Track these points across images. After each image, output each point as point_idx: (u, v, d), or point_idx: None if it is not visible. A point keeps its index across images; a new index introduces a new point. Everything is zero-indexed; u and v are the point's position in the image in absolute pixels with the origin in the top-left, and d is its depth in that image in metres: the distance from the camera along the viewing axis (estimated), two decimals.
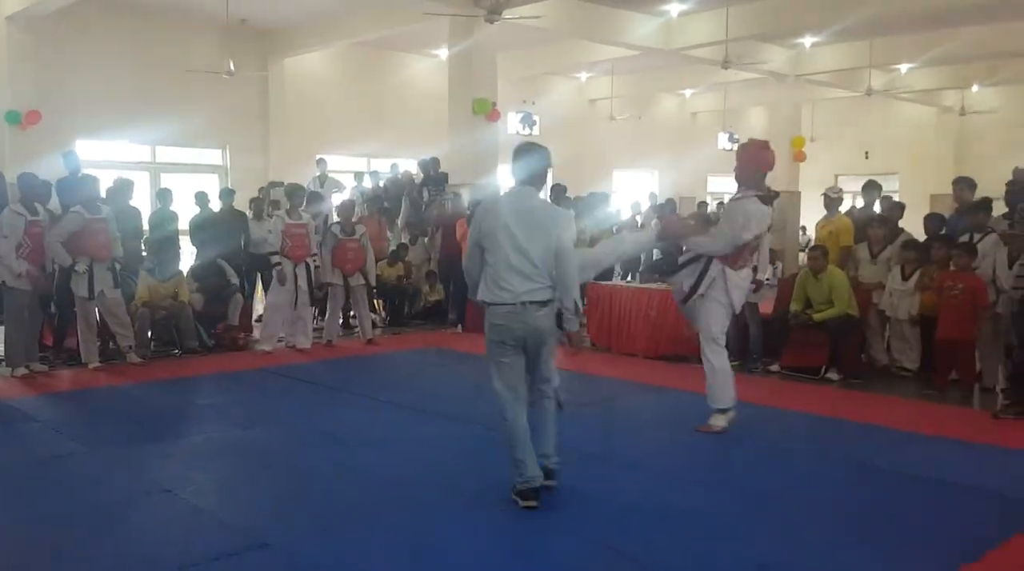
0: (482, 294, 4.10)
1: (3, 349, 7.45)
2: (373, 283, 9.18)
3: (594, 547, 3.65)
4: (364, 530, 3.81)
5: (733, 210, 5.45)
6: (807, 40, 14.52)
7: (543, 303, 4.02)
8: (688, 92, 20.04)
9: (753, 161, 5.46)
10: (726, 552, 3.62)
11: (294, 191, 8.95)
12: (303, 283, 8.44)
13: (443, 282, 10.53)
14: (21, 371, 7.07)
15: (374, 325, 9.78)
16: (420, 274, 10.89)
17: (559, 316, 4.14)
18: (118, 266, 7.57)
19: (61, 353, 7.79)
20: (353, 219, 9.07)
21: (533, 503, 3.97)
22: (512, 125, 16.97)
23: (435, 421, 5.85)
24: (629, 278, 9.74)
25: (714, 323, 5.40)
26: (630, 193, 17.17)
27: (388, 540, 3.71)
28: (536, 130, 17.62)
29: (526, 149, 4.19)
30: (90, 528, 3.84)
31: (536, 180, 4.20)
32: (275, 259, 8.38)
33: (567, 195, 10.57)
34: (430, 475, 4.60)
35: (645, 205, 14.45)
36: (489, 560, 3.55)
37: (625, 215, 13.10)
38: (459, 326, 9.91)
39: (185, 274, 8.64)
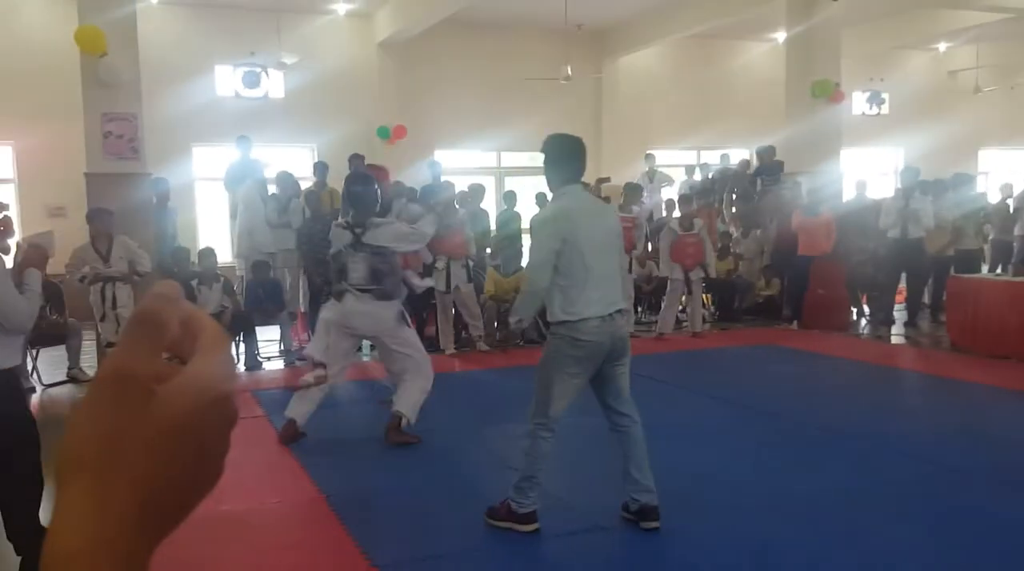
0: (561, 312, 3.59)
1: None
2: (713, 276, 9.09)
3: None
4: (696, 522, 3.78)
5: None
6: None
7: (622, 311, 3.73)
8: None
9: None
10: None
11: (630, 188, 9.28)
12: None
13: (778, 275, 10.09)
14: None
15: (703, 320, 9.67)
16: (752, 268, 10.54)
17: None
18: (471, 263, 8.30)
19: (421, 340, 8.73)
20: (676, 213, 9.09)
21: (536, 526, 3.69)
22: (858, 105, 15.78)
23: (766, 420, 5.62)
24: (999, 270, 8.58)
25: None
26: (1003, 174, 15.09)
27: (720, 534, 3.65)
28: (885, 109, 16.21)
29: (563, 142, 3.83)
30: (447, 497, 4.26)
31: (580, 176, 3.85)
32: None
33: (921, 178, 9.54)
34: (761, 474, 4.44)
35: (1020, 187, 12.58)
36: (830, 566, 3.32)
37: (994, 198, 11.53)
38: (795, 322, 9.43)
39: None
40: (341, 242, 5.05)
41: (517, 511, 3.67)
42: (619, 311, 3.66)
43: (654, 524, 3.65)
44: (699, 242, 8.77)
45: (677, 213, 9.78)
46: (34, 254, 3.37)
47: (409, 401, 5.16)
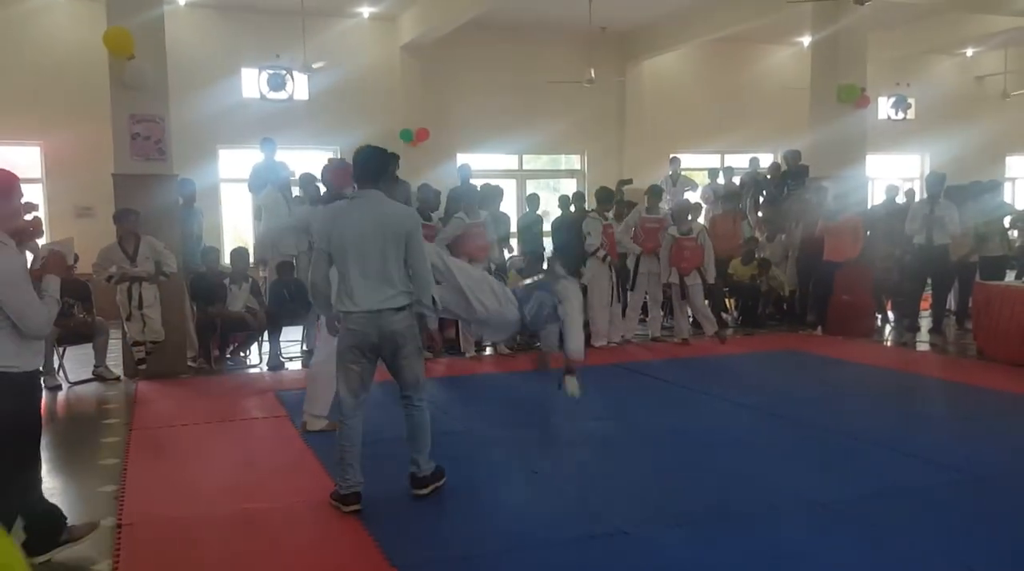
0: (337, 304, 4.03)
1: None
2: (710, 281, 8.93)
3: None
4: (721, 530, 3.76)
5: None
6: None
7: (399, 309, 3.98)
8: None
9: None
10: None
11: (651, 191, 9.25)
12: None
13: (802, 280, 10.00)
14: None
15: (725, 325, 9.61)
16: (777, 272, 10.46)
17: (420, 317, 4.13)
18: (493, 266, 8.31)
19: (443, 341, 8.74)
20: (703, 218, 9.01)
21: (356, 507, 4.00)
22: (883, 110, 15.65)
23: (790, 427, 5.58)
24: None
25: None
26: None
27: (744, 542, 3.62)
28: (911, 114, 16.08)
29: (364, 151, 4.10)
30: (467, 498, 4.27)
31: (380, 182, 4.08)
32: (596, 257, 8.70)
33: (947, 184, 9.42)
34: (785, 481, 4.40)
35: None
36: None
37: (1021, 205, 11.40)
38: (819, 328, 9.36)
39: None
40: None
41: (337, 491, 4.05)
42: (395, 309, 3.96)
43: (420, 491, 4.17)
44: (697, 247, 8.70)
45: (702, 219, 9.71)
46: (54, 260, 3.47)
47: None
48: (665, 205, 10.12)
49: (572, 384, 5.44)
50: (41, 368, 3.58)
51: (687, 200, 9.85)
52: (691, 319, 9.17)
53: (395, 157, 9.62)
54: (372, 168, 4.06)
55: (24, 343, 3.25)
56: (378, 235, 3.94)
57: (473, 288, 5.19)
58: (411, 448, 4.23)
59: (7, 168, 3.38)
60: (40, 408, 3.55)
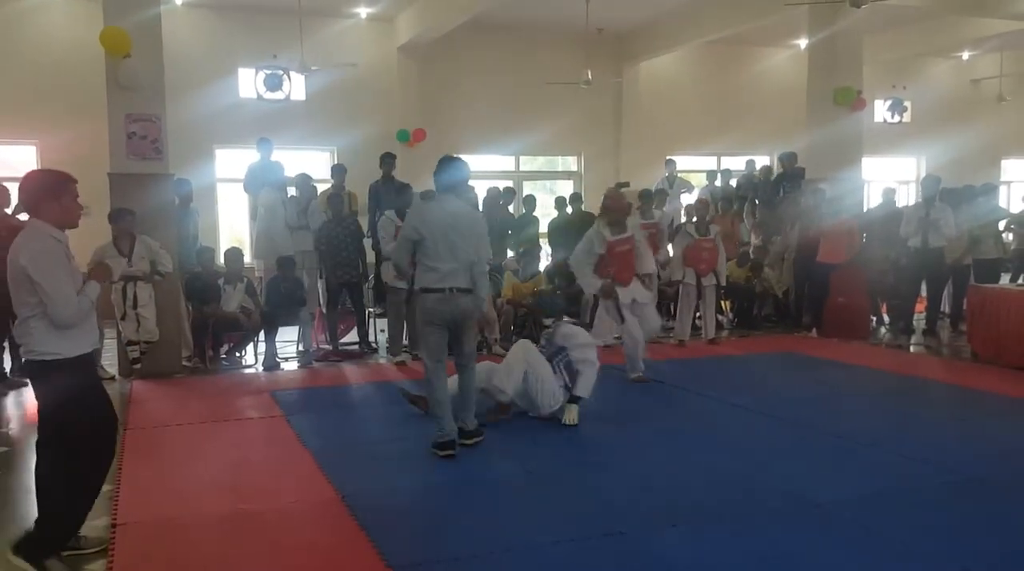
0: (419, 282, 4.96)
1: (386, 338, 8.55)
2: (723, 283, 9.02)
3: None
4: (718, 530, 3.76)
5: None
6: None
7: (468, 291, 4.92)
8: None
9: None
10: None
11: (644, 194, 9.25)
12: None
13: (798, 282, 10.02)
14: (400, 358, 8.03)
15: (721, 327, 9.61)
16: (773, 274, 10.48)
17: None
18: (488, 267, 8.29)
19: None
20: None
21: (451, 452, 4.83)
22: (879, 113, 15.69)
23: (787, 428, 5.59)
24: (1021, 280, 8.48)
25: None
26: None
27: (741, 542, 3.62)
28: (907, 117, 16.11)
29: (447, 162, 5.03)
30: (464, 498, 4.27)
31: (458, 188, 5.07)
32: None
33: (942, 187, 9.44)
34: (780, 483, 4.41)
35: None
36: None
37: (1016, 208, 11.42)
38: (814, 330, 9.38)
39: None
40: None
41: (435, 440, 4.86)
42: (460, 289, 4.88)
43: (465, 441, 4.98)
44: (714, 248, 8.72)
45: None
46: (99, 270, 3.78)
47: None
48: (660, 209, 10.12)
49: (572, 414, 5.64)
50: (91, 353, 3.62)
51: (703, 199, 9.86)
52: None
53: (392, 156, 9.72)
54: (454, 177, 5.02)
55: (67, 329, 3.43)
56: (456, 232, 4.87)
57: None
58: (459, 405, 5.00)
59: (59, 168, 3.66)
60: (82, 395, 3.52)
